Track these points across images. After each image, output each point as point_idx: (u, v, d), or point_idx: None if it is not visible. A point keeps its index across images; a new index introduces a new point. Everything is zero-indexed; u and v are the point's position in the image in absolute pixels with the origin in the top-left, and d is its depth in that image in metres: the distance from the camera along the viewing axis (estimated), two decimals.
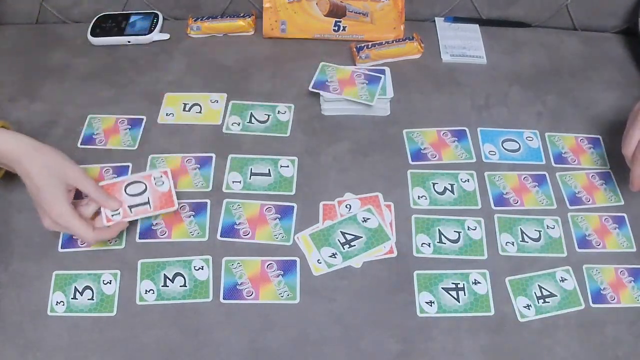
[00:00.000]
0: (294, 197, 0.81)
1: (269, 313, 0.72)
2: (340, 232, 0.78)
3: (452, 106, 0.92)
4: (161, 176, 0.76)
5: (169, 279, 0.74)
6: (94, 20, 1.01)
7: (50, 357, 0.69)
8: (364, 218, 0.79)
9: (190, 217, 0.78)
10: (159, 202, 0.74)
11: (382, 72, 0.91)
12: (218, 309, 0.72)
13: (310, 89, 0.88)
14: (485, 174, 0.84)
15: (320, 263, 0.75)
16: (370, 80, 0.90)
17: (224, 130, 0.87)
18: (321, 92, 0.88)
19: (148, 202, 0.74)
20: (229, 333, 0.71)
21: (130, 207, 0.74)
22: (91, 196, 0.73)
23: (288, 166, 0.83)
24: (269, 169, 0.83)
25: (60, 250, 0.76)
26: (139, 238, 0.77)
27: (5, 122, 0.76)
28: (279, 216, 0.79)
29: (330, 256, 0.76)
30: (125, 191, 0.75)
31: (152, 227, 0.77)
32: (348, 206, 0.80)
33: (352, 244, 0.77)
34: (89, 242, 0.74)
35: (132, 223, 0.77)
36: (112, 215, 0.73)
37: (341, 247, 0.76)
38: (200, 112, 0.89)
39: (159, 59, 0.97)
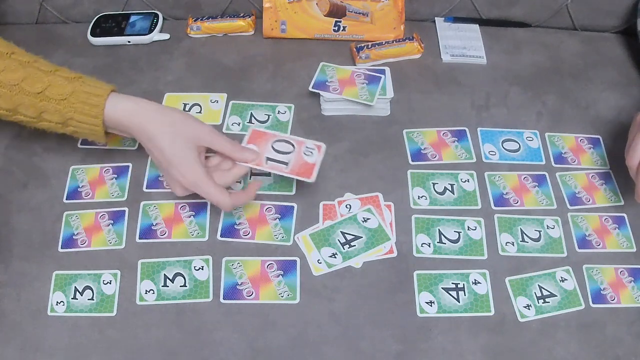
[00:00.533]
0: (294, 197, 0.81)
1: (269, 313, 0.72)
2: (341, 232, 0.78)
3: (452, 106, 0.92)
4: (314, 148, 0.75)
5: (169, 279, 0.74)
6: (94, 20, 1.01)
7: (50, 357, 0.69)
8: (364, 218, 0.79)
9: (190, 217, 0.78)
10: (297, 168, 0.73)
11: (382, 72, 0.91)
12: (218, 309, 0.72)
13: (310, 89, 0.88)
14: (485, 174, 0.84)
15: (320, 263, 0.75)
16: (370, 80, 0.90)
17: (224, 130, 0.87)
18: (321, 92, 0.88)
19: (287, 163, 0.73)
20: (229, 333, 0.71)
21: (268, 159, 0.73)
22: (227, 153, 0.72)
23: None
24: None
25: (60, 250, 0.76)
26: (139, 238, 0.77)
27: (114, 86, 0.73)
28: (279, 216, 0.79)
29: (331, 256, 0.76)
30: (272, 145, 0.74)
31: (152, 227, 0.77)
32: (348, 206, 0.80)
33: (352, 244, 0.77)
34: (226, 208, 0.72)
35: (132, 223, 0.77)
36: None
37: (341, 247, 0.77)
38: (200, 112, 0.89)
39: (159, 59, 0.97)
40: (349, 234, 0.78)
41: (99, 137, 0.72)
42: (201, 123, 0.72)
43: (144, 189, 0.81)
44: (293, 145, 0.76)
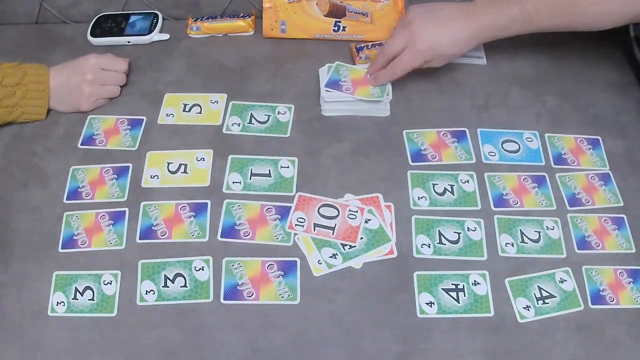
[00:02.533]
0: (294, 197, 0.81)
1: (269, 313, 0.72)
2: None
3: (451, 106, 0.92)
4: (357, 210, 0.78)
5: (169, 279, 0.74)
6: (93, 21, 1.00)
7: (51, 358, 0.69)
8: (365, 219, 0.79)
9: (190, 217, 0.78)
10: (343, 232, 0.77)
11: None
12: (218, 309, 0.72)
13: (324, 87, 0.88)
14: (485, 174, 0.84)
15: (320, 264, 0.75)
16: None
17: (224, 131, 0.87)
18: (335, 92, 0.88)
19: (333, 228, 0.78)
20: (229, 333, 0.71)
21: (315, 225, 0.77)
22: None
23: (288, 167, 0.84)
24: (269, 170, 0.83)
25: (60, 250, 0.76)
26: (140, 238, 0.77)
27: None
28: (280, 217, 0.79)
29: (331, 257, 0.76)
30: (318, 210, 0.78)
31: (153, 228, 0.77)
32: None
33: (352, 244, 0.77)
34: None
35: (133, 223, 0.77)
36: (296, 225, 0.77)
37: (341, 248, 0.77)
38: (200, 112, 0.89)
39: (159, 59, 0.97)
40: None
41: (42, 113, 0.87)
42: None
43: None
44: (338, 210, 0.78)
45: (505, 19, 0.80)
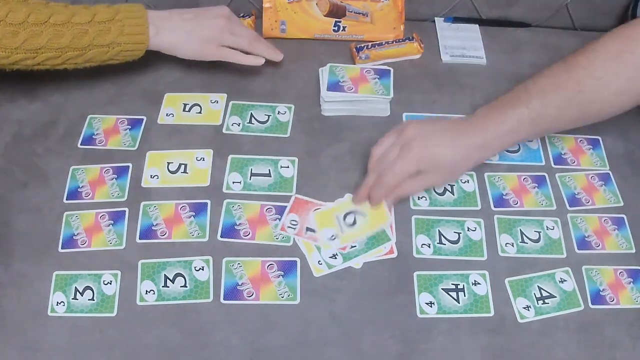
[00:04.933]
0: (291, 198, 0.81)
1: (269, 313, 0.72)
2: None
3: (452, 107, 0.92)
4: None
5: (169, 279, 0.74)
6: None
7: (51, 358, 0.69)
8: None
9: (190, 217, 0.78)
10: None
11: (388, 71, 0.92)
12: (218, 309, 0.72)
13: (326, 91, 0.88)
14: (485, 174, 0.84)
15: (321, 264, 0.75)
16: (381, 74, 0.90)
17: (224, 131, 0.87)
18: (338, 94, 0.88)
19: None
20: (229, 333, 0.71)
21: (308, 229, 0.78)
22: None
23: (288, 167, 0.84)
24: (269, 170, 0.83)
25: (60, 250, 0.76)
26: (139, 238, 0.77)
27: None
28: (279, 217, 0.79)
29: (331, 257, 0.76)
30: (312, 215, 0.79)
31: (153, 228, 0.77)
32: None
33: (352, 244, 0.77)
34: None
35: (133, 223, 0.77)
36: (287, 227, 0.78)
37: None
38: (200, 112, 0.89)
39: (159, 59, 0.97)
40: None
41: (142, 50, 0.84)
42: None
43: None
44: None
45: (512, 121, 0.74)
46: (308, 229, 0.77)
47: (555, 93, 0.73)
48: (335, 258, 0.76)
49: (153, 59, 0.97)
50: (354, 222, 0.78)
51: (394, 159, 0.75)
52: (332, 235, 0.77)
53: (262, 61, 0.89)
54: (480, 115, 0.76)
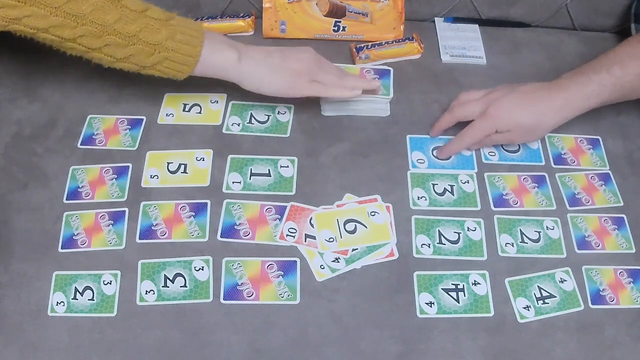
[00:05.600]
0: (294, 197, 0.81)
1: (269, 313, 0.72)
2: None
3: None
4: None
5: (169, 279, 0.74)
6: None
7: (50, 358, 0.69)
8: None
9: (190, 217, 0.78)
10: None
11: (388, 71, 0.92)
12: (218, 309, 0.72)
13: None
14: (485, 174, 0.84)
15: (323, 268, 0.75)
16: (381, 74, 0.91)
17: (224, 131, 0.87)
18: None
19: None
20: (229, 333, 0.71)
21: (307, 236, 0.77)
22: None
23: (288, 166, 0.84)
24: (269, 169, 0.83)
25: (60, 250, 0.76)
26: (139, 238, 0.77)
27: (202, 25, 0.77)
28: (279, 216, 0.79)
29: (334, 261, 0.76)
30: (310, 221, 0.78)
31: (153, 228, 0.77)
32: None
33: (354, 247, 0.77)
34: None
35: (133, 223, 0.77)
36: (287, 236, 0.77)
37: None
38: (200, 112, 0.89)
39: None
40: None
41: (181, 76, 0.77)
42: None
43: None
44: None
45: (593, 85, 0.78)
46: (307, 235, 0.77)
47: (634, 62, 0.77)
48: (338, 262, 0.76)
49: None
50: (354, 230, 0.78)
51: (476, 120, 0.81)
52: (331, 238, 0.77)
53: (359, 92, 0.83)
54: (564, 78, 0.80)
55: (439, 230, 0.79)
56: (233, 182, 0.82)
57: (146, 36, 0.71)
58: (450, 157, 0.85)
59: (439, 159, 0.85)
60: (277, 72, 0.80)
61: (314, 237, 0.77)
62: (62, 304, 0.72)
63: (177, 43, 0.72)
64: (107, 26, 0.69)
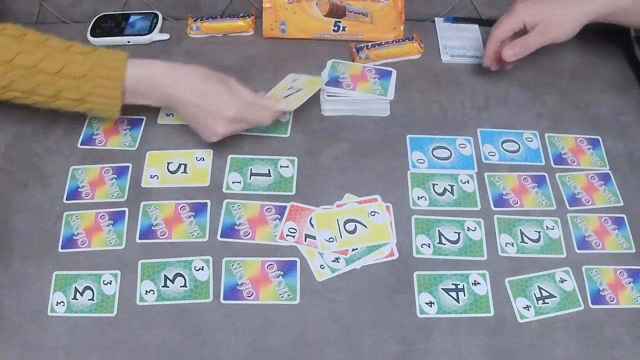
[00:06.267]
0: (294, 197, 0.81)
1: (269, 313, 0.72)
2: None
3: (452, 107, 0.92)
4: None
5: (169, 279, 0.74)
6: (93, 20, 1.00)
7: (50, 358, 0.69)
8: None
9: (190, 217, 0.78)
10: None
11: (390, 72, 0.92)
12: (218, 309, 0.72)
13: (324, 86, 0.88)
14: (485, 174, 0.84)
15: (323, 268, 0.75)
16: (382, 74, 0.90)
17: None
18: (335, 90, 0.88)
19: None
20: (229, 333, 0.71)
21: (307, 236, 0.77)
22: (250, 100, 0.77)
23: (288, 166, 0.84)
24: (268, 169, 0.83)
25: (60, 250, 0.76)
26: (139, 238, 0.77)
27: (127, 52, 0.73)
28: (279, 216, 0.79)
29: (334, 261, 0.76)
30: (310, 221, 0.78)
31: (153, 228, 0.77)
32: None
33: (354, 247, 0.77)
34: (267, 119, 0.78)
35: (133, 223, 0.77)
36: (287, 236, 0.77)
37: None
38: None
39: (159, 59, 0.97)
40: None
41: (114, 112, 0.74)
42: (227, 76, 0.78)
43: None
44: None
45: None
46: (307, 235, 0.77)
47: None
48: (338, 262, 0.76)
49: (153, 58, 0.97)
50: (354, 230, 0.78)
51: (503, 17, 0.85)
52: (331, 238, 0.77)
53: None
54: None
55: (439, 230, 0.79)
56: (233, 182, 0.82)
57: (67, 94, 0.71)
58: (490, 64, 0.90)
59: (484, 66, 0.90)
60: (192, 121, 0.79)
61: (314, 237, 0.77)
62: (62, 304, 0.72)
63: (97, 97, 0.72)
64: (28, 91, 0.71)
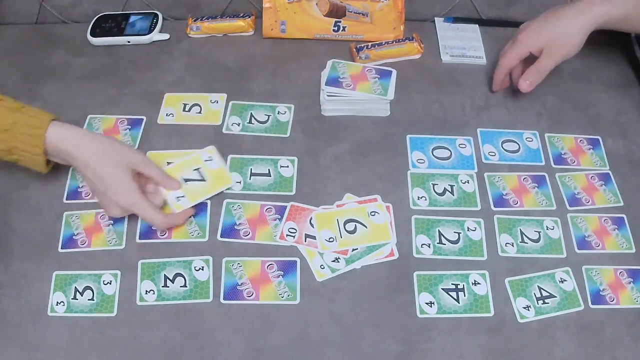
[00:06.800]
0: (294, 197, 0.81)
1: (269, 313, 0.72)
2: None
3: (452, 107, 0.92)
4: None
5: (169, 279, 0.74)
6: (93, 20, 1.00)
7: (51, 358, 0.69)
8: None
9: (190, 217, 0.78)
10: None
11: (390, 72, 0.92)
12: (218, 309, 0.72)
13: (324, 86, 0.88)
14: (485, 174, 0.84)
15: (323, 268, 0.75)
16: (382, 75, 0.90)
17: (224, 131, 0.87)
18: (335, 90, 0.88)
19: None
20: (229, 333, 0.71)
21: (307, 236, 0.77)
22: (156, 178, 0.76)
23: (288, 166, 0.84)
24: (269, 169, 0.83)
25: (60, 250, 0.76)
26: (139, 238, 0.77)
27: (54, 115, 0.73)
28: (279, 216, 0.79)
29: (334, 261, 0.76)
30: (310, 221, 0.78)
31: (152, 228, 0.77)
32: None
33: (354, 247, 0.77)
34: (159, 226, 0.76)
35: (132, 223, 0.77)
36: (287, 236, 0.77)
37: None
38: (200, 112, 0.89)
39: (159, 59, 0.97)
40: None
41: (40, 166, 0.74)
42: (133, 150, 0.76)
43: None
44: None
45: (625, 8, 0.80)
46: (307, 235, 0.77)
47: None
48: (338, 262, 0.76)
49: (153, 58, 0.97)
50: (354, 230, 0.78)
51: (507, 46, 0.88)
52: (331, 238, 0.77)
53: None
54: None
55: (439, 230, 0.79)
56: (233, 182, 0.82)
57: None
58: (498, 90, 0.93)
59: (492, 91, 0.93)
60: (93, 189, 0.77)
61: (314, 237, 0.77)
62: (62, 303, 0.72)
63: (22, 153, 0.72)
64: None
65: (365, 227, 0.78)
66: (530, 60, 0.86)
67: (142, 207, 0.73)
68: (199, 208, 0.79)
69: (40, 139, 0.71)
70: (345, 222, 0.78)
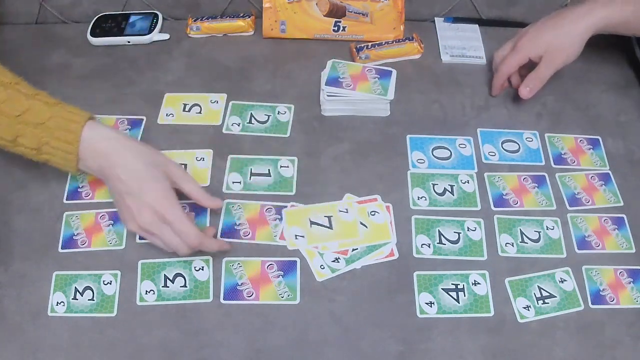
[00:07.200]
0: (294, 197, 0.81)
1: (269, 313, 0.72)
2: None
3: (452, 107, 0.92)
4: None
5: (169, 279, 0.74)
6: (93, 21, 1.00)
7: (51, 358, 0.69)
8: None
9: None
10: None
11: (390, 72, 0.92)
12: (218, 309, 0.72)
13: (324, 86, 0.88)
14: (485, 174, 0.84)
15: (323, 268, 0.75)
16: (382, 75, 0.90)
17: (224, 131, 0.87)
18: (335, 90, 0.88)
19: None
20: (229, 333, 0.71)
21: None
22: (193, 195, 0.72)
23: (288, 166, 0.84)
24: (269, 170, 0.83)
25: (60, 250, 0.76)
26: (139, 238, 0.77)
27: (91, 114, 0.71)
28: (279, 216, 0.79)
29: (334, 261, 0.76)
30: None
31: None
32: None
33: (355, 247, 0.77)
34: (191, 242, 0.69)
35: None
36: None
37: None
38: (200, 112, 0.89)
39: (159, 59, 0.97)
40: None
41: (71, 166, 0.70)
42: (173, 161, 0.72)
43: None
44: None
45: (624, 13, 0.81)
46: (297, 236, 0.77)
47: None
48: (338, 262, 0.76)
49: (153, 58, 0.97)
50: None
51: (508, 54, 0.88)
52: (299, 235, 0.77)
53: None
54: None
55: (439, 230, 0.79)
56: (233, 182, 0.82)
57: (23, 141, 0.69)
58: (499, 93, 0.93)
59: (492, 96, 0.93)
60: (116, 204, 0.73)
61: (303, 237, 0.77)
62: (62, 304, 0.72)
63: (54, 149, 0.69)
64: None
65: (366, 227, 0.78)
66: (528, 64, 0.86)
67: (178, 215, 0.68)
68: (199, 209, 0.79)
69: (77, 135, 0.68)
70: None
